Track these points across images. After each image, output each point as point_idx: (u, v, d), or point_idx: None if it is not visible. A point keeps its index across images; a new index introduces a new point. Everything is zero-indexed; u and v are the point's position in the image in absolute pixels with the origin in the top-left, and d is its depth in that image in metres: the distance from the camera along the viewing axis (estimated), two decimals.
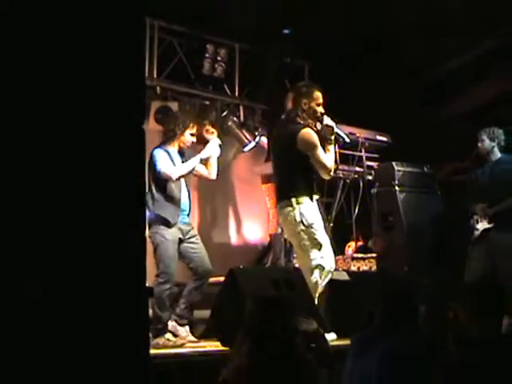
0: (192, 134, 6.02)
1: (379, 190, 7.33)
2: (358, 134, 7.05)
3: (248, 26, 7.35)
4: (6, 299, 1.67)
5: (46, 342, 1.71)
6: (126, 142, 1.92)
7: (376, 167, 7.50)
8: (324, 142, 5.59)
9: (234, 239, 8.42)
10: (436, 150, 7.49)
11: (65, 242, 1.76)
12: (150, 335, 5.47)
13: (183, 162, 5.97)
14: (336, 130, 5.70)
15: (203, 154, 5.93)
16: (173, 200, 5.80)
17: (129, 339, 1.86)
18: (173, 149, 5.98)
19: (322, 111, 5.63)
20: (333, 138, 5.65)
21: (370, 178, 7.38)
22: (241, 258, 7.85)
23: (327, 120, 5.65)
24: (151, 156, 5.78)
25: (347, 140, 6.06)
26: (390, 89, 7.46)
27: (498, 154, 6.62)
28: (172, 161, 5.88)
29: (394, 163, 7.31)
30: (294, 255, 6.66)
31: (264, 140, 8.08)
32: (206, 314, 5.86)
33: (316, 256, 5.45)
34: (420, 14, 7.22)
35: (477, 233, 6.53)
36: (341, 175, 7.29)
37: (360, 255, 7.24)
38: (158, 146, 5.94)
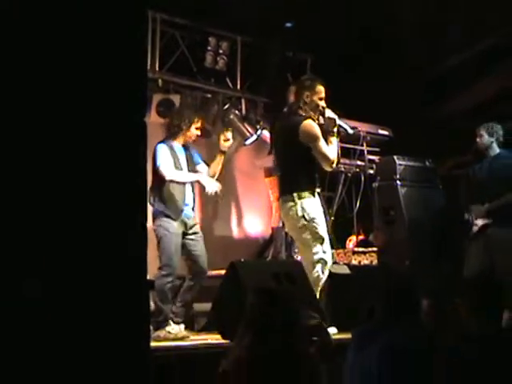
0: (197, 128, 6.04)
1: (380, 184, 7.32)
2: (359, 128, 7.04)
3: (250, 18, 7.34)
4: (5, 299, 1.67)
5: (47, 337, 1.71)
6: (128, 136, 1.92)
7: (377, 161, 7.50)
8: (326, 135, 5.58)
9: (235, 232, 8.42)
10: (437, 144, 7.49)
11: (65, 238, 1.76)
12: (151, 328, 5.49)
13: (187, 156, 5.99)
14: (338, 122, 5.69)
15: (203, 181, 5.90)
16: (176, 194, 5.81)
17: (129, 332, 1.86)
18: (177, 143, 5.99)
19: (324, 105, 5.63)
20: (335, 130, 5.64)
21: (371, 171, 7.37)
22: (242, 251, 7.86)
23: (329, 113, 5.64)
24: (154, 150, 5.79)
25: (350, 131, 6.07)
26: (392, 85, 7.46)
27: (496, 150, 6.61)
28: (176, 156, 5.89)
29: (395, 157, 7.30)
30: (296, 249, 6.67)
31: (266, 133, 8.07)
32: (207, 306, 5.87)
33: (318, 250, 5.45)
34: (422, 13, 7.22)
35: (475, 228, 6.53)
36: (342, 169, 7.28)
37: (361, 249, 7.24)
38: (162, 141, 5.95)
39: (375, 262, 7.04)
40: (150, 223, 5.77)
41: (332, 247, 5.85)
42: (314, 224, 5.46)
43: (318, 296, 5.40)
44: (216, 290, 5.36)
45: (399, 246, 7.02)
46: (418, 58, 7.68)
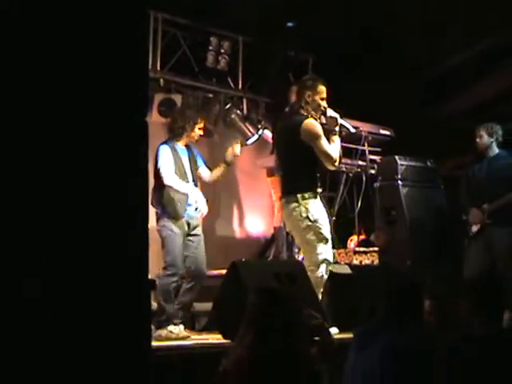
0: (200, 129, 6.05)
1: (382, 184, 7.32)
2: (361, 128, 7.04)
3: (251, 18, 7.34)
4: (6, 299, 1.67)
5: (47, 337, 1.71)
6: (129, 136, 1.92)
7: (379, 161, 7.49)
8: (328, 134, 5.57)
9: (236, 232, 8.42)
10: (438, 144, 7.48)
11: (65, 238, 1.76)
12: (153, 327, 5.50)
13: (189, 158, 5.99)
14: (340, 121, 5.69)
15: (196, 198, 5.87)
16: (178, 195, 5.81)
17: (130, 331, 1.86)
18: (180, 144, 6.00)
19: (326, 106, 5.62)
20: (337, 129, 5.64)
21: (372, 171, 7.38)
22: (243, 250, 7.86)
23: (331, 112, 5.64)
24: (156, 151, 5.80)
25: (352, 130, 6.07)
26: (392, 84, 7.46)
27: (495, 150, 6.62)
28: (178, 157, 5.90)
29: (397, 157, 7.30)
30: (296, 249, 6.67)
31: (267, 133, 8.07)
32: (207, 306, 5.87)
33: (323, 250, 5.45)
34: (423, 13, 7.22)
35: (474, 228, 6.53)
36: (344, 169, 7.28)
37: (362, 249, 7.24)
38: (165, 142, 5.95)
39: (376, 261, 7.03)
40: (153, 223, 5.78)
41: (333, 247, 5.85)
42: (318, 225, 5.46)
43: (320, 296, 5.40)
44: (217, 290, 5.36)
45: (400, 246, 7.02)
46: (418, 58, 7.68)
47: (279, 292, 3.14)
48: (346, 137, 6.21)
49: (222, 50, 7.73)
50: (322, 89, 5.61)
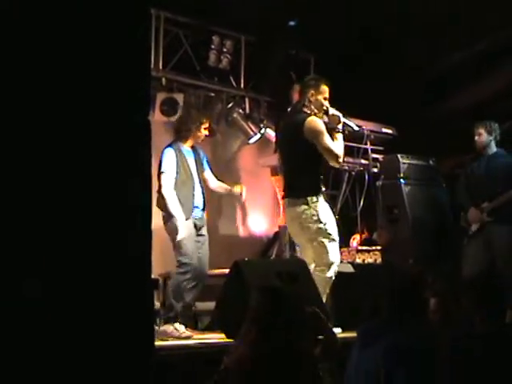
0: (205, 129, 6.04)
1: (384, 183, 7.32)
2: (363, 127, 7.04)
3: (253, 17, 7.33)
4: (6, 299, 1.67)
5: (47, 337, 1.71)
6: (131, 135, 1.91)
7: (381, 160, 7.50)
8: (331, 132, 5.56)
9: (239, 231, 8.42)
10: (440, 142, 7.48)
11: (66, 238, 1.76)
12: (161, 321, 5.54)
13: (196, 160, 5.98)
14: (343, 119, 5.68)
15: (178, 224, 5.74)
16: (184, 197, 5.81)
17: (133, 331, 1.86)
18: (186, 146, 5.99)
19: (328, 105, 5.62)
20: (340, 127, 5.63)
21: (375, 170, 7.38)
22: (246, 249, 7.86)
23: (333, 111, 5.64)
24: (161, 154, 5.80)
25: (356, 128, 6.08)
26: (392, 84, 7.46)
27: (494, 148, 6.63)
28: (184, 159, 5.89)
29: (399, 156, 7.30)
30: (298, 248, 6.66)
31: (269, 132, 8.07)
32: (210, 305, 5.87)
33: (333, 251, 5.47)
34: (422, 12, 7.21)
35: (474, 227, 6.53)
36: (346, 167, 7.27)
37: (365, 248, 7.24)
38: (170, 145, 5.94)
39: (379, 260, 7.03)
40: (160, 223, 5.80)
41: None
42: (328, 226, 5.47)
43: (325, 297, 5.41)
44: (220, 289, 5.36)
45: (403, 245, 7.02)
46: (418, 58, 7.67)
47: (282, 291, 3.14)
48: (349, 135, 6.21)
49: (224, 49, 7.72)
50: (325, 88, 5.61)
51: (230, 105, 8.05)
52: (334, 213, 6.15)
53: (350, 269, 6.28)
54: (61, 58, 1.79)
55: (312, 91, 5.58)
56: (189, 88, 7.75)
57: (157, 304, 5.77)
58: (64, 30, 1.80)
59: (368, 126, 7.19)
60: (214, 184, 6.23)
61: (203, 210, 5.98)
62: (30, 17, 1.76)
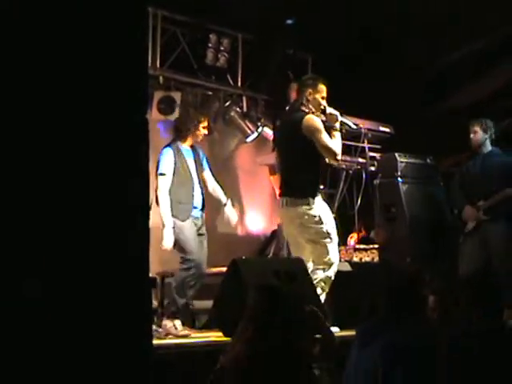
0: (204, 127, 6.03)
1: (382, 181, 7.32)
2: (360, 125, 7.03)
3: (251, 16, 7.33)
4: (6, 299, 1.67)
5: (47, 337, 1.71)
6: (129, 134, 1.91)
7: (379, 158, 7.49)
8: (329, 130, 5.56)
9: (236, 229, 8.41)
10: (438, 141, 7.48)
11: (65, 238, 1.75)
12: (158, 320, 5.54)
13: (195, 159, 5.97)
14: (340, 118, 5.69)
15: (165, 233, 5.70)
16: (183, 197, 5.81)
17: (131, 331, 1.86)
18: (185, 145, 5.97)
19: (326, 105, 5.62)
20: (337, 125, 5.63)
21: (372, 168, 7.37)
22: (243, 248, 7.86)
23: (331, 109, 5.64)
24: (160, 153, 5.79)
25: (353, 126, 6.09)
26: (392, 84, 7.46)
27: (489, 147, 6.64)
28: (183, 160, 5.87)
29: (396, 154, 7.30)
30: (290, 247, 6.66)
31: (267, 130, 8.07)
32: (208, 304, 5.87)
33: (333, 252, 5.49)
34: (422, 12, 7.22)
35: (470, 225, 6.53)
36: (343, 166, 7.27)
37: (362, 246, 7.25)
38: (169, 145, 5.93)
39: (376, 259, 7.04)
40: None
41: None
42: (328, 226, 5.49)
43: (324, 296, 5.42)
44: (217, 288, 5.36)
45: (400, 243, 7.03)
46: (418, 58, 7.68)
47: (279, 289, 3.14)
48: (346, 134, 6.21)
49: (222, 48, 7.72)
50: (323, 88, 5.61)
51: (227, 103, 8.05)
52: (331, 211, 6.16)
53: (347, 267, 6.28)
54: (60, 58, 1.79)
55: (310, 90, 5.58)
56: (186, 86, 7.75)
57: (154, 303, 5.76)
58: (63, 30, 1.80)
59: (365, 124, 7.18)
60: (211, 186, 6.19)
61: (202, 210, 5.97)
62: (30, 17, 1.75)
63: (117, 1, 1.93)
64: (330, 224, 5.52)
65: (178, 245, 5.73)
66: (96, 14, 1.85)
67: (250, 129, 8.01)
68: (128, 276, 1.83)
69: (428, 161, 7.54)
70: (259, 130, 8.04)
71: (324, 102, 5.61)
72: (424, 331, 3.10)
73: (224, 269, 5.46)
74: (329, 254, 5.46)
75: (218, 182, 6.31)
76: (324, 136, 5.44)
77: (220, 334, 5.07)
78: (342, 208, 7.35)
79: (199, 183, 5.98)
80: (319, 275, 5.40)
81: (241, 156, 8.48)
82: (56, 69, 1.78)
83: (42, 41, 1.77)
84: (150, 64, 7.12)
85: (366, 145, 7.18)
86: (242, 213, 8.44)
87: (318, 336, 3.40)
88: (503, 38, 7.34)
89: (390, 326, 3.06)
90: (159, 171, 5.76)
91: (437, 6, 7.08)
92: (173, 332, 5.53)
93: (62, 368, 1.72)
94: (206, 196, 6.14)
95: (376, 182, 7.31)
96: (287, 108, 6.15)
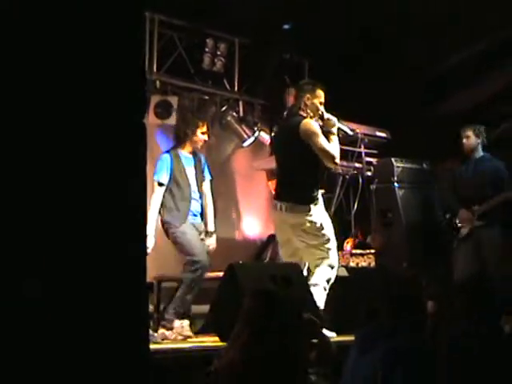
0: (203, 133, 5.98)
1: (378, 186, 7.32)
2: (357, 130, 7.04)
3: (248, 20, 7.33)
4: (6, 299, 1.66)
5: (46, 338, 1.71)
6: (127, 136, 1.91)
7: (375, 163, 7.50)
8: (327, 134, 5.56)
9: (233, 234, 8.41)
10: (435, 145, 7.49)
11: (64, 239, 1.75)
12: (154, 324, 5.53)
13: (195, 166, 5.94)
14: (337, 124, 5.69)
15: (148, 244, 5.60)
16: (179, 203, 5.79)
17: (128, 335, 1.85)
18: (185, 152, 5.94)
19: (323, 110, 5.62)
20: (334, 130, 5.63)
21: (369, 173, 7.38)
22: (240, 253, 7.84)
23: (328, 115, 5.64)
24: (159, 159, 5.79)
25: (350, 132, 6.10)
26: (392, 85, 7.46)
27: (481, 152, 6.67)
28: (181, 167, 5.85)
29: (393, 159, 7.31)
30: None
31: (263, 135, 8.07)
32: (204, 308, 5.86)
33: (333, 257, 5.53)
34: (422, 12, 7.22)
35: (464, 230, 6.54)
36: (340, 171, 7.27)
37: (359, 251, 7.24)
38: (168, 151, 5.92)
39: (373, 264, 7.03)
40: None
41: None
42: (328, 232, 5.52)
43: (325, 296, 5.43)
44: (214, 292, 5.36)
45: (397, 248, 7.03)
46: (418, 58, 7.68)
47: (275, 294, 3.14)
48: (343, 139, 6.21)
49: (219, 52, 7.72)
50: (321, 93, 5.61)
51: (223, 108, 8.04)
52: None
53: (343, 272, 6.28)
54: (59, 59, 1.79)
55: (308, 95, 5.58)
56: (183, 91, 7.74)
57: (150, 307, 5.75)
58: (62, 31, 1.80)
59: (362, 129, 7.19)
60: (205, 203, 6.13)
61: (201, 216, 5.95)
62: (30, 18, 1.75)
63: (115, 5, 1.93)
64: (329, 230, 5.56)
65: (182, 249, 5.72)
66: (95, 17, 1.86)
67: (246, 133, 8.00)
68: (128, 276, 1.83)
69: (424, 166, 7.55)
70: (256, 134, 8.04)
71: (322, 108, 5.62)
72: (424, 336, 3.10)
73: (221, 273, 5.45)
74: (330, 258, 5.48)
75: (212, 199, 6.23)
76: (321, 139, 5.44)
77: (217, 338, 5.07)
78: (338, 213, 7.35)
79: (198, 190, 5.95)
80: (322, 275, 5.42)
81: (237, 160, 8.47)
82: (55, 70, 1.78)
83: (41, 42, 1.77)
84: (146, 68, 7.12)
85: (362, 150, 7.19)
86: (238, 217, 8.43)
87: (314, 341, 3.40)
88: (504, 39, 7.35)
89: (391, 331, 3.06)
90: (155, 177, 5.76)
91: (437, 6, 7.08)
92: (178, 330, 5.53)
93: (60, 369, 1.72)
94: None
95: (372, 187, 7.32)
96: (285, 113, 6.15)
